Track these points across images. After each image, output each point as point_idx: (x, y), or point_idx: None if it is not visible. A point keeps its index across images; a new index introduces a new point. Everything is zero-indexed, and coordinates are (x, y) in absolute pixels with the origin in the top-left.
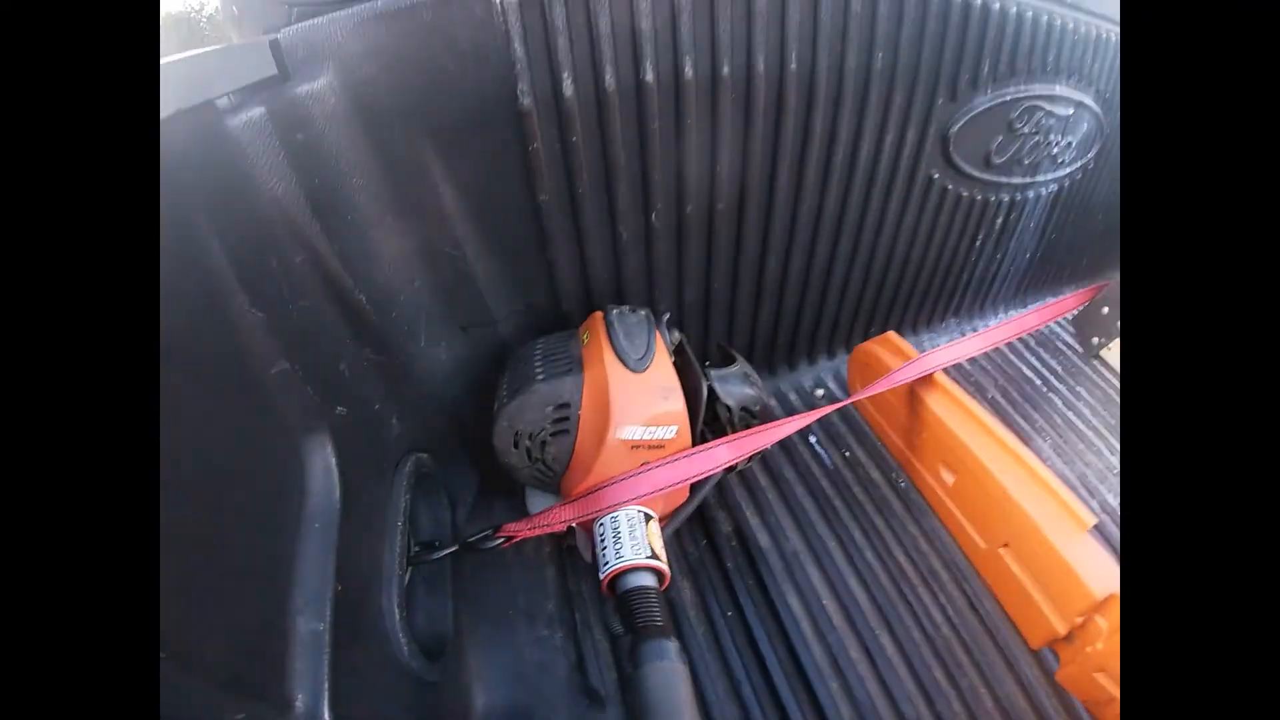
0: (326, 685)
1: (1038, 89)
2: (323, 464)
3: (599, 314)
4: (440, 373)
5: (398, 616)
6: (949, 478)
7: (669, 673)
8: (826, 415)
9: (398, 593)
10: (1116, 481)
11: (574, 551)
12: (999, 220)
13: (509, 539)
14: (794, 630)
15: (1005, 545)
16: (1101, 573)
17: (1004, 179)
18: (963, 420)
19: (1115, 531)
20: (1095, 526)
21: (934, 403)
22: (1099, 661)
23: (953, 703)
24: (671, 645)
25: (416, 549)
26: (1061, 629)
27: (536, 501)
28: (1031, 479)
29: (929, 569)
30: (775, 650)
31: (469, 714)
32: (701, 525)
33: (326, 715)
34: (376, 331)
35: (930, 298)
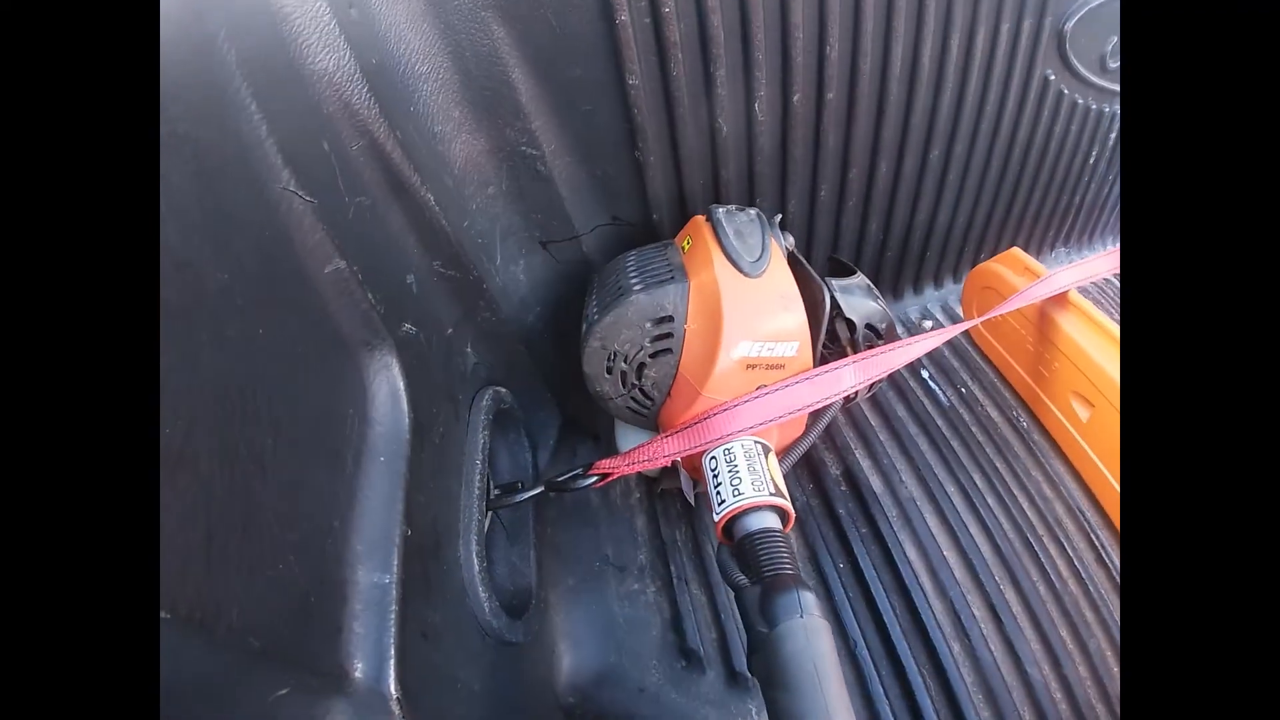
0: (393, 650)
1: None
2: (388, 387)
3: (699, 217)
4: (518, 295)
5: (477, 568)
6: (1084, 413)
7: (811, 630)
8: (937, 349)
9: (477, 541)
10: None
11: (666, 496)
12: (1113, 135)
13: (603, 477)
14: (913, 584)
15: None
16: None
17: (1119, 87)
18: (1103, 345)
19: None
20: None
21: (1069, 325)
22: None
23: (1079, 666)
24: (810, 598)
25: (497, 492)
26: None
27: (628, 439)
28: None
29: (1054, 517)
30: (893, 605)
31: (554, 677)
32: (807, 468)
33: (392, 687)
34: (447, 241)
35: (1041, 221)
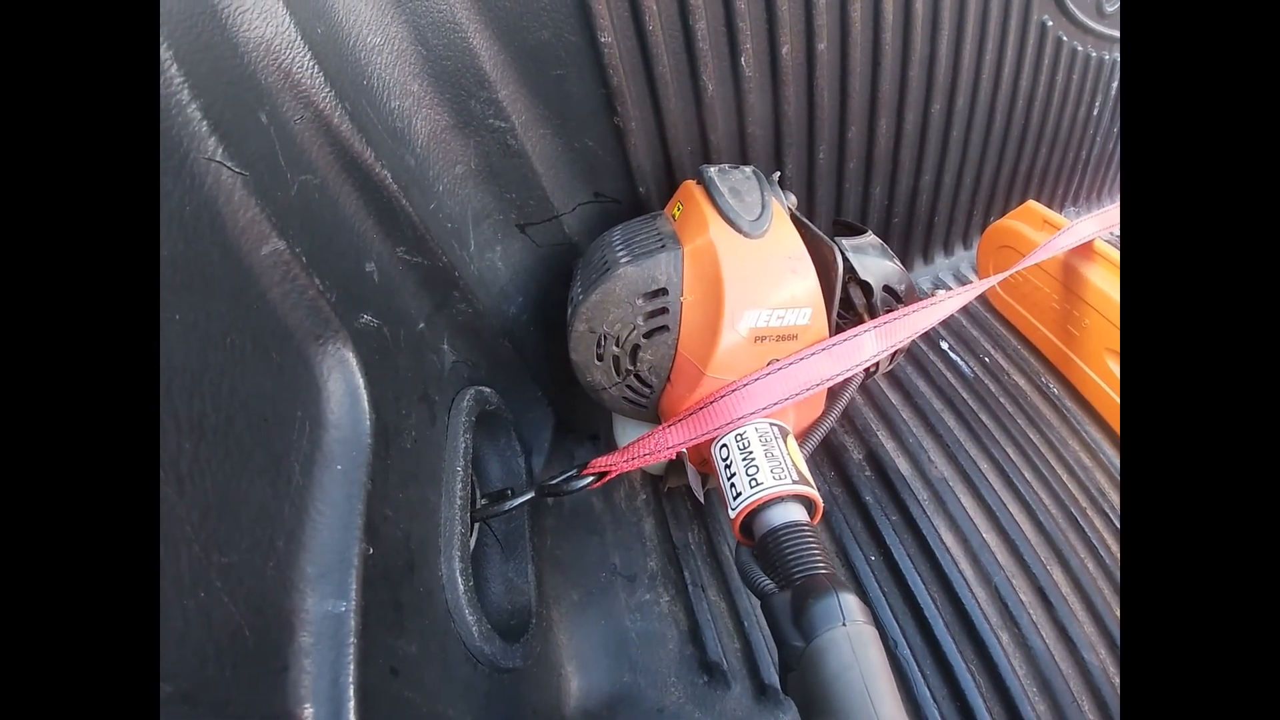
0: (352, 690)
1: None
2: (344, 385)
3: (689, 181)
4: (497, 285)
5: (462, 587)
6: (1118, 370)
7: (857, 640)
8: (954, 317)
9: (461, 557)
10: None
11: (675, 495)
12: (1115, 84)
13: (600, 476)
14: (953, 573)
15: None
16: None
17: (1117, 33)
18: None
19: None
20: None
21: (1097, 277)
22: None
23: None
24: (852, 600)
25: (483, 502)
26: None
27: (628, 435)
28: None
29: (1097, 487)
30: (934, 598)
31: (561, 703)
32: (827, 454)
33: None
34: (411, 225)
35: (1049, 179)
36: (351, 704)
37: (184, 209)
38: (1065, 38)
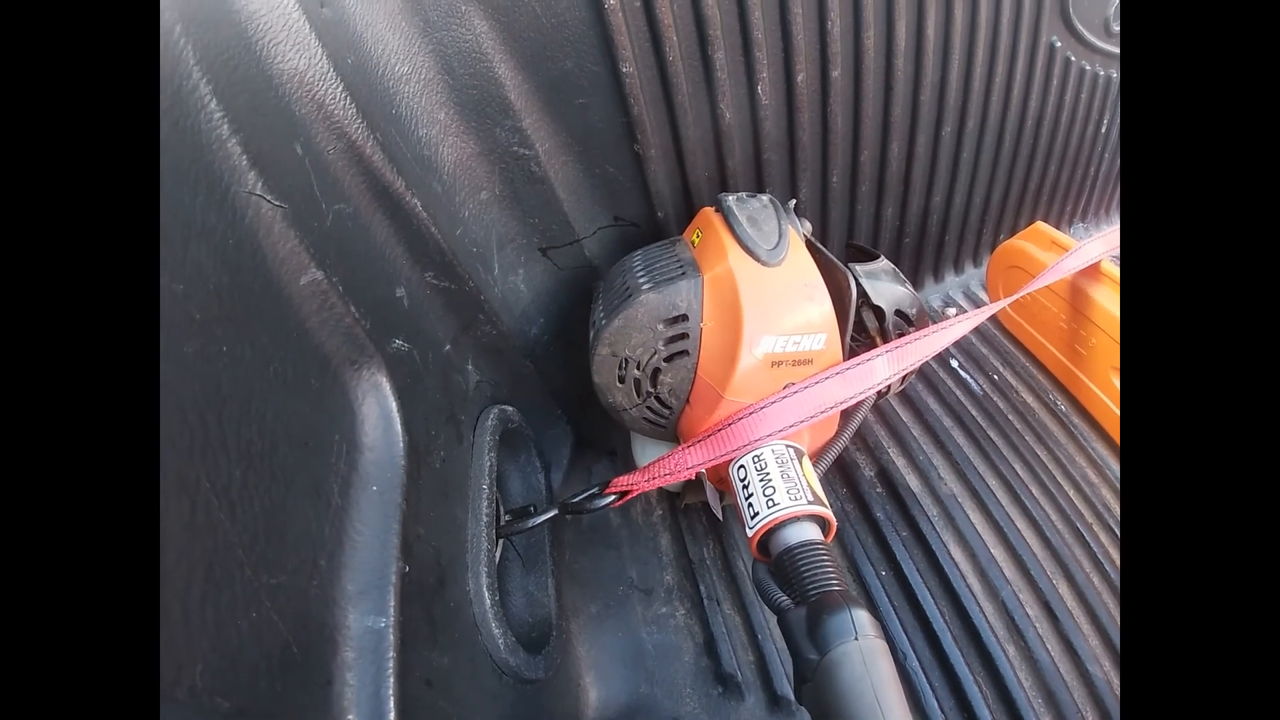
0: (392, 702)
1: None
2: (379, 409)
3: (708, 208)
4: (519, 307)
5: (489, 602)
6: None
7: (868, 654)
8: (964, 336)
9: (488, 572)
10: None
11: (691, 511)
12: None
13: (621, 495)
14: (961, 587)
15: None
16: None
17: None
18: None
19: None
20: None
21: (1103, 297)
22: None
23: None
24: (864, 616)
25: (507, 518)
26: None
27: (647, 454)
28: None
29: (1103, 503)
30: (942, 612)
31: (580, 713)
32: (840, 471)
33: None
34: (439, 250)
35: (1058, 196)
36: (392, 715)
37: (228, 242)
38: (1074, 57)
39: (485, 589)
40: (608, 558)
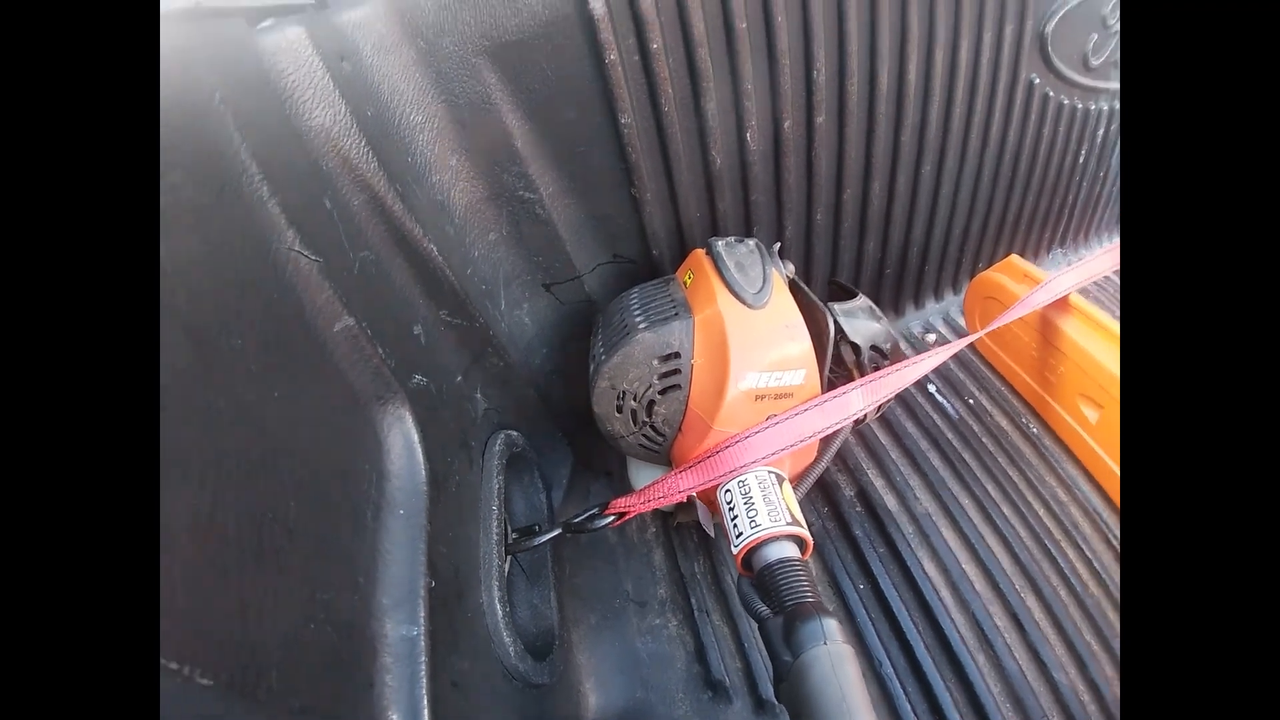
0: (425, 702)
1: None
2: (403, 440)
3: (699, 250)
4: (524, 339)
5: (500, 613)
6: (1092, 414)
7: (835, 657)
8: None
9: (499, 586)
10: None
11: (683, 529)
12: (1100, 132)
13: (620, 516)
14: (933, 599)
15: None
16: None
17: (1103, 84)
18: (1106, 346)
19: None
20: None
21: (1071, 328)
22: None
23: (1105, 667)
24: (833, 624)
25: (514, 536)
26: None
27: (642, 475)
28: None
29: (1071, 522)
30: (915, 623)
31: (581, 716)
32: (822, 491)
33: None
34: (452, 290)
35: (1036, 224)
36: (426, 714)
37: (273, 297)
38: (1052, 93)
39: (497, 601)
40: (605, 572)
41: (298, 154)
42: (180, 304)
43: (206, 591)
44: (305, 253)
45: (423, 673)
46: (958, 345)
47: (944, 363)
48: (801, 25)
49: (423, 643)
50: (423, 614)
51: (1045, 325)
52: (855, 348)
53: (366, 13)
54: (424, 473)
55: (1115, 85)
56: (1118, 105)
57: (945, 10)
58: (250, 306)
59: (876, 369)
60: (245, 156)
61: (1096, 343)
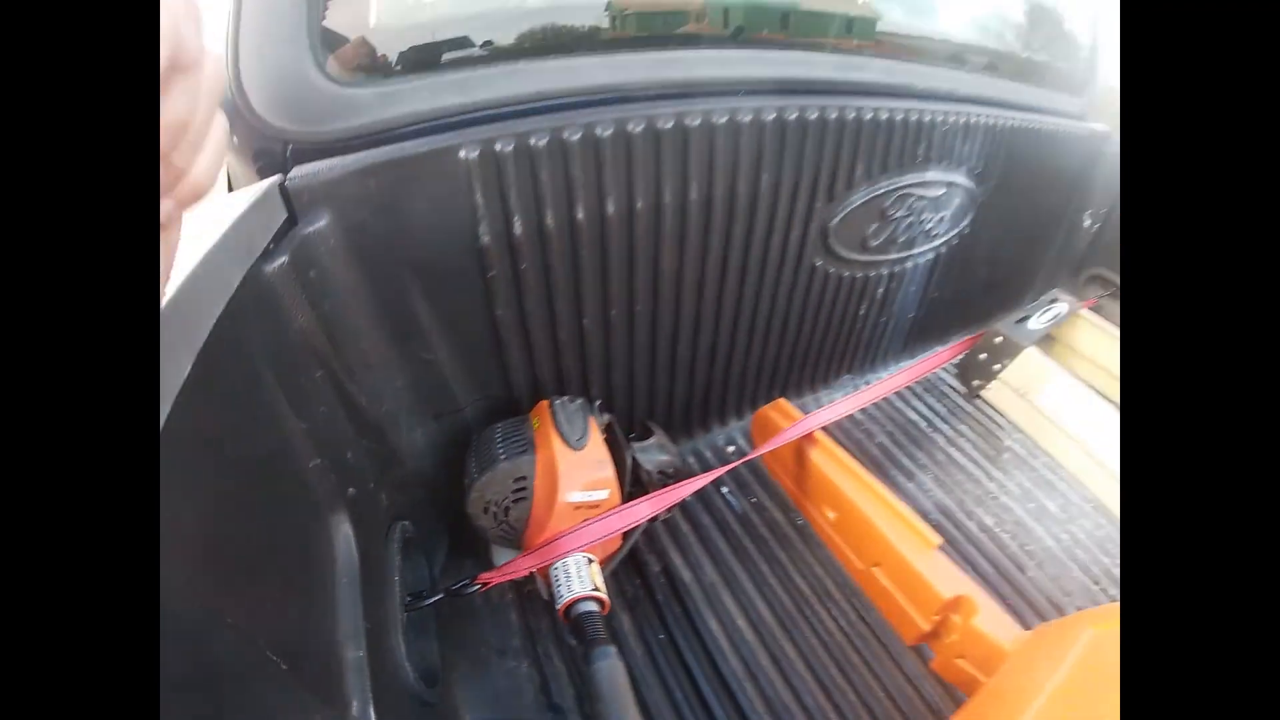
0: (370, 697)
1: (909, 179)
2: (344, 535)
3: (545, 404)
4: (418, 454)
5: (403, 650)
6: (831, 514)
7: (612, 666)
8: (736, 468)
9: (402, 633)
10: (994, 504)
11: (533, 595)
12: (880, 290)
13: (484, 585)
14: (714, 647)
15: (877, 564)
16: (948, 579)
17: (881, 257)
18: (837, 468)
19: (995, 551)
20: (941, 546)
21: (815, 456)
22: (958, 650)
23: (848, 694)
24: (612, 649)
25: (409, 599)
26: (925, 626)
27: (501, 555)
28: (891, 513)
29: (824, 590)
30: (700, 664)
31: None
32: (636, 567)
33: (373, 716)
34: (373, 425)
35: (824, 361)
36: (371, 704)
37: (274, 451)
38: (833, 270)
39: (401, 643)
40: (473, 627)
41: (289, 351)
42: (209, 481)
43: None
44: (296, 418)
45: (367, 678)
46: (716, 473)
47: (737, 468)
48: (627, 249)
49: (365, 661)
50: (365, 644)
51: (800, 449)
52: (647, 473)
53: (324, 226)
54: (357, 556)
55: (894, 255)
56: (896, 268)
57: (741, 226)
58: (262, 451)
59: (664, 486)
60: (261, 362)
61: (830, 466)
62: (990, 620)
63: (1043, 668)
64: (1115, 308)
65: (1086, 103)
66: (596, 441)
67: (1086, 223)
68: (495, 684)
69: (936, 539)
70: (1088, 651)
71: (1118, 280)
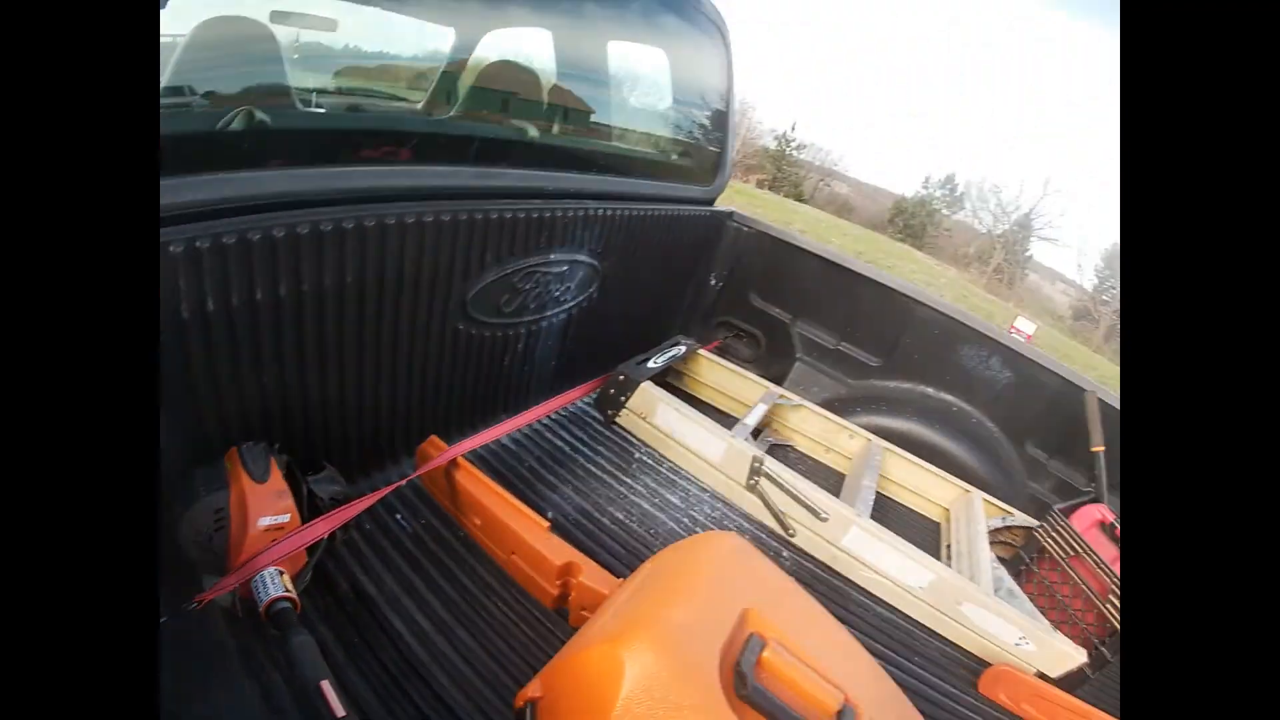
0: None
1: (534, 260)
2: None
3: (235, 449)
4: None
5: None
6: (478, 521)
7: (305, 640)
8: (405, 495)
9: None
10: (624, 501)
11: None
12: (520, 345)
13: (201, 601)
14: (402, 643)
15: (513, 553)
16: (559, 551)
17: (516, 320)
18: (476, 484)
19: (626, 537)
20: (549, 527)
21: (460, 477)
22: (579, 604)
23: (518, 663)
24: (304, 631)
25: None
26: (554, 590)
27: (210, 581)
28: (514, 510)
29: (485, 584)
30: (392, 659)
31: None
32: (328, 586)
33: None
34: None
35: (480, 403)
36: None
37: None
38: (475, 332)
39: None
40: (195, 655)
41: None
42: None
43: None
44: None
45: None
46: (379, 494)
47: (407, 496)
48: (296, 326)
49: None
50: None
51: (449, 473)
52: (321, 499)
53: None
54: None
55: (528, 318)
56: (533, 327)
57: (390, 303)
58: None
59: (335, 509)
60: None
61: (471, 483)
62: (593, 577)
63: (624, 585)
64: (740, 346)
65: (716, 188)
66: (276, 477)
67: (712, 282)
68: (219, 702)
69: (545, 522)
70: (651, 565)
71: (741, 325)
